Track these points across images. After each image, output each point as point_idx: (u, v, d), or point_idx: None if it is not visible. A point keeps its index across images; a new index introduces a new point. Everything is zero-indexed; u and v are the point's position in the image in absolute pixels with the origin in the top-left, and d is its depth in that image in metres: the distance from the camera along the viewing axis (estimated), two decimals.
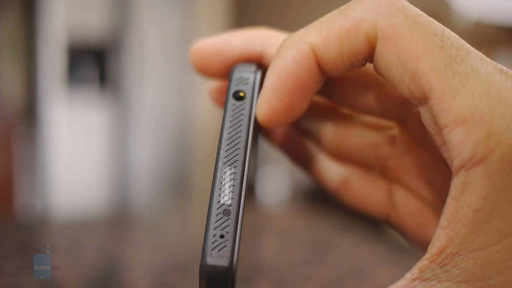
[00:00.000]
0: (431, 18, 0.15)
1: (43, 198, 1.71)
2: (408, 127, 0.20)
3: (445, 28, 0.15)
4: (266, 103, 0.16)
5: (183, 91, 2.03)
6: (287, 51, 0.16)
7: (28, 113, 1.77)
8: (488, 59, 0.15)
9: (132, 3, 1.82)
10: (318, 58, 0.16)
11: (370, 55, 0.16)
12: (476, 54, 0.15)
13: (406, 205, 0.21)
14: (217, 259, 0.15)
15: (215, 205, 0.16)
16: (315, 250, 0.51)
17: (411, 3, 0.16)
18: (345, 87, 0.19)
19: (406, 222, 0.21)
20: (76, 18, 1.73)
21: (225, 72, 0.20)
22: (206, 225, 0.15)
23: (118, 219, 0.66)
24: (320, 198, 1.69)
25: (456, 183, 0.14)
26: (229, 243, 0.15)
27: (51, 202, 1.70)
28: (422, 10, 0.15)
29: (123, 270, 0.43)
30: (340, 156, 0.23)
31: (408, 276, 0.15)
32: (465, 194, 0.14)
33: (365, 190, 0.23)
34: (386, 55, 0.15)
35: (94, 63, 1.81)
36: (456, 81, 0.14)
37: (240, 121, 0.17)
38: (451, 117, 0.14)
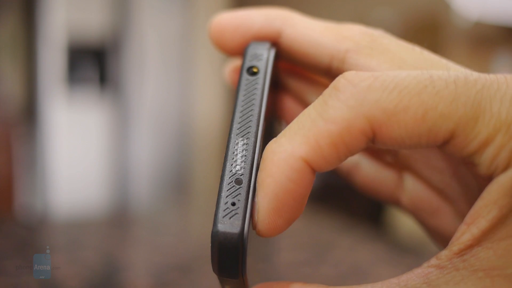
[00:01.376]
0: (412, 72, 0.15)
1: (43, 198, 1.71)
2: None
3: (430, 71, 0.15)
4: (267, 222, 0.15)
5: (183, 91, 2.03)
6: (278, 169, 0.15)
7: (28, 113, 1.77)
8: (486, 75, 0.15)
9: (132, 3, 1.82)
10: (313, 167, 0.15)
11: (368, 145, 0.15)
12: (473, 75, 0.15)
13: (417, 192, 0.22)
14: (228, 226, 0.15)
15: (227, 174, 0.16)
16: (315, 250, 0.51)
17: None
18: None
19: (417, 208, 0.22)
20: (76, 18, 1.73)
21: (242, 48, 0.20)
22: (218, 193, 0.15)
23: (118, 219, 0.66)
24: (320, 198, 1.69)
25: (487, 187, 0.14)
26: (240, 211, 0.15)
27: (51, 202, 1.70)
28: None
29: (123, 270, 0.43)
30: None
31: (424, 264, 0.15)
32: (492, 192, 0.14)
33: (375, 175, 0.23)
34: (393, 135, 0.14)
35: (94, 63, 1.81)
36: (469, 112, 0.14)
37: (253, 95, 0.17)
38: (478, 142, 0.14)
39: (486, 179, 0.15)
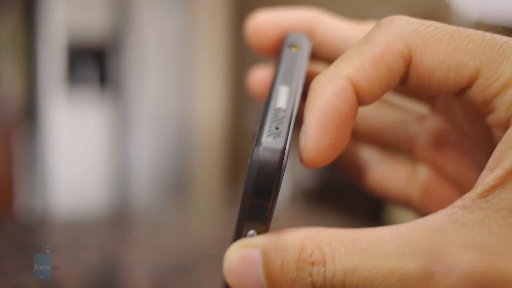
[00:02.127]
0: (445, 24, 0.16)
1: (43, 198, 1.71)
2: (438, 105, 0.21)
3: (457, 27, 0.16)
4: (314, 141, 0.16)
5: (183, 91, 2.03)
6: (325, 88, 0.16)
7: (28, 113, 1.77)
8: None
9: (132, 3, 1.82)
10: (357, 88, 0.16)
11: (404, 73, 0.16)
12: (497, 34, 0.16)
13: (431, 184, 0.22)
14: (272, 143, 0.15)
15: (271, 108, 0.16)
16: None
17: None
18: None
19: (429, 202, 0.22)
20: (76, 18, 1.73)
21: (276, 44, 0.21)
22: (261, 122, 0.16)
23: (118, 219, 0.66)
24: (320, 198, 1.69)
25: (508, 130, 0.15)
26: (283, 133, 0.16)
27: (51, 202, 1.70)
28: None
29: (123, 270, 0.43)
30: (369, 137, 0.24)
31: (449, 206, 0.15)
32: None
33: (386, 172, 0.23)
34: (426, 63, 0.16)
35: (94, 63, 1.81)
36: (495, 55, 0.15)
37: (295, 62, 0.19)
38: (501, 83, 0.15)
39: (504, 127, 0.15)
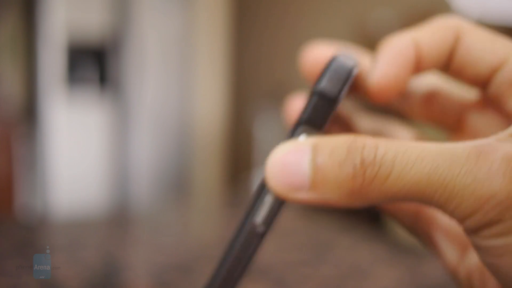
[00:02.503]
0: None
1: (43, 198, 1.71)
2: (463, 134, 0.23)
3: None
4: (382, 69, 0.20)
5: (183, 91, 2.03)
6: (392, 41, 0.21)
7: (28, 113, 1.77)
8: None
9: (132, 3, 1.82)
10: (417, 44, 0.20)
11: (453, 48, 0.20)
12: None
13: None
14: (346, 61, 0.18)
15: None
16: (315, 250, 0.51)
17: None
18: (412, 98, 0.24)
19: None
20: (76, 18, 1.74)
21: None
22: (329, 63, 0.18)
23: (118, 219, 0.66)
24: None
25: None
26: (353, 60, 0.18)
27: (51, 202, 1.70)
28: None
29: (123, 270, 0.43)
30: None
31: (483, 139, 0.17)
32: None
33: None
34: (470, 42, 0.20)
35: (94, 63, 1.81)
36: None
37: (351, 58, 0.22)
38: None
39: None
